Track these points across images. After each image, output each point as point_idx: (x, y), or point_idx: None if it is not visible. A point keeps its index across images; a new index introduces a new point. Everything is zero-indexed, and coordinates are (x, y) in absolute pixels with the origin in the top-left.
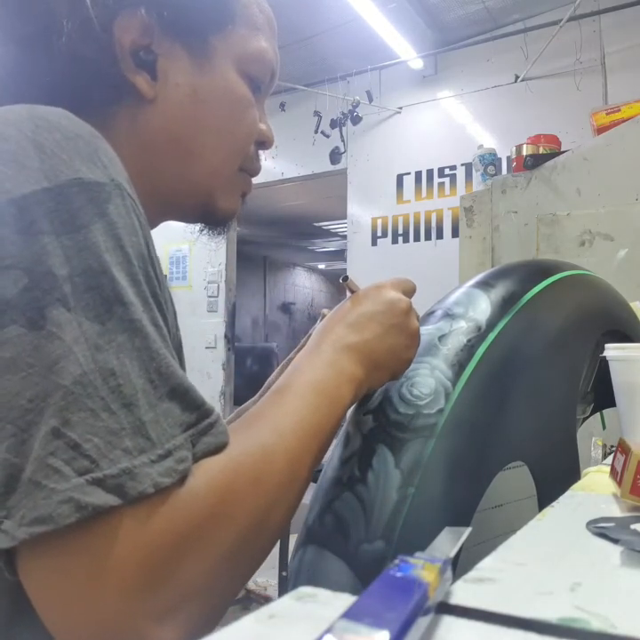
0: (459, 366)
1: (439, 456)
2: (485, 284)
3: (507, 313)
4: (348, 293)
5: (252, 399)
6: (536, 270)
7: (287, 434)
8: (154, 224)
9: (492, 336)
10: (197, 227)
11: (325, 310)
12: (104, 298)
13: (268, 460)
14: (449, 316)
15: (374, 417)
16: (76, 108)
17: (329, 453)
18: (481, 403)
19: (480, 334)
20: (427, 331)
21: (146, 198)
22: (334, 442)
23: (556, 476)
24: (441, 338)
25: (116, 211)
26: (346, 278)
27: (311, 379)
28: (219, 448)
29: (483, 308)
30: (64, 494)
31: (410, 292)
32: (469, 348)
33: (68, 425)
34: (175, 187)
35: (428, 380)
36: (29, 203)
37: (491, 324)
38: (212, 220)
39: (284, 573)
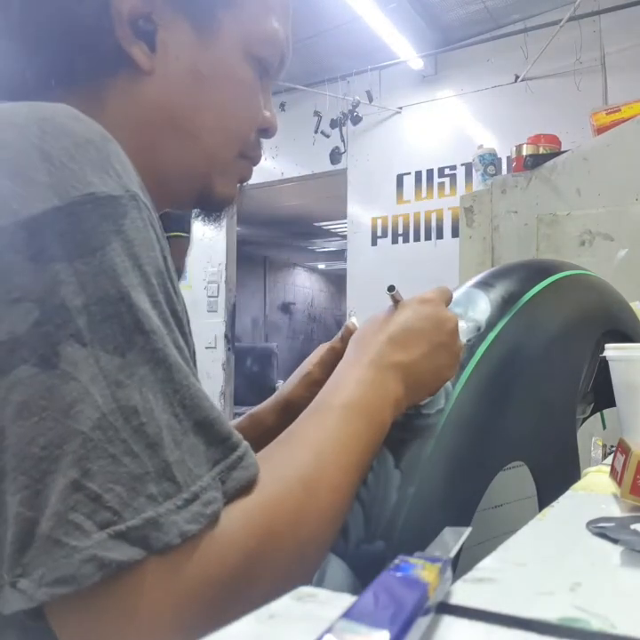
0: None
1: (439, 456)
2: (485, 284)
3: (506, 313)
4: (390, 303)
5: (265, 406)
6: (536, 270)
7: (330, 464)
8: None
9: (491, 336)
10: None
11: (351, 323)
12: (124, 327)
13: (310, 494)
14: None
15: None
16: (69, 77)
17: None
18: (481, 403)
19: (480, 334)
20: None
21: (143, 182)
22: None
23: (555, 476)
24: None
25: (133, 225)
26: (392, 288)
27: (354, 399)
28: (250, 482)
29: (482, 308)
30: (86, 552)
31: (449, 302)
32: (469, 348)
33: (88, 475)
34: (172, 169)
35: None
36: (39, 225)
37: (490, 324)
38: (209, 205)
39: None
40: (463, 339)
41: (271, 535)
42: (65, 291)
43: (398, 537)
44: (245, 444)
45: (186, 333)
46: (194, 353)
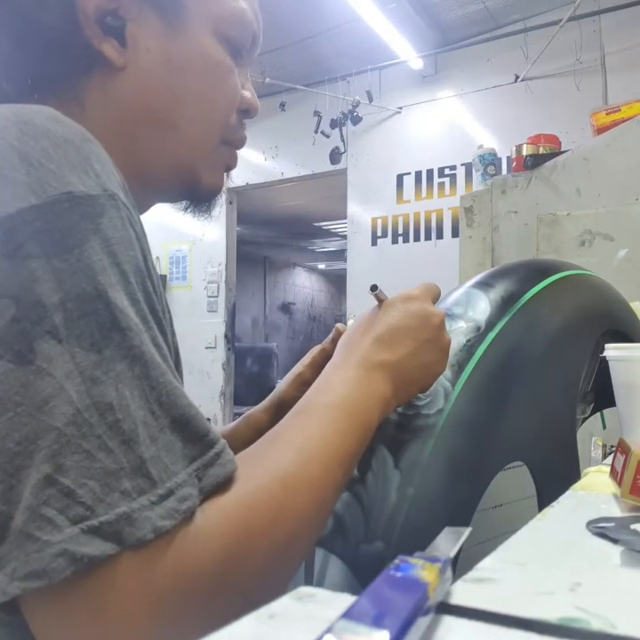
0: (458, 366)
1: (438, 456)
2: (485, 285)
3: (506, 313)
4: (375, 303)
5: (261, 407)
6: (535, 270)
7: (311, 462)
8: (142, 209)
9: (491, 336)
10: (183, 205)
11: (340, 325)
12: (100, 324)
13: (288, 492)
14: (448, 316)
15: None
16: (44, 80)
17: None
18: (480, 403)
19: (479, 334)
20: None
21: (127, 179)
22: None
23: (555, 476)
24: None
25: (111, 224)
26: (375, 287)
27: (339, 399)
28: (227, 478)
29: (482, 308)
30: (58, 547)
31: (437, 298)
32: (469, 349)
33: (62, 470)
34: (155, 162)
35: None
36: (16, 223)
37: (490, 325)
38: (197, 196)
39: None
40: (463, 339)
41: (247, 532)
42: (42, 288)
43: (398, 537)
44: (223, 441)
45: (166, 332)
46: (177, 352)
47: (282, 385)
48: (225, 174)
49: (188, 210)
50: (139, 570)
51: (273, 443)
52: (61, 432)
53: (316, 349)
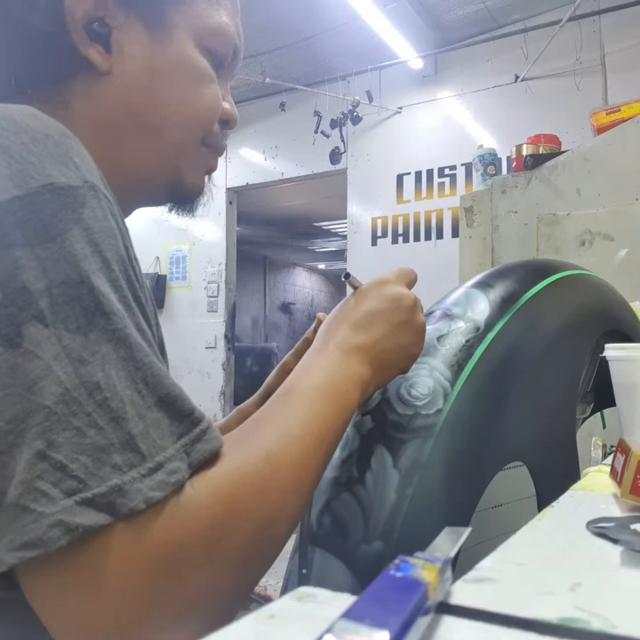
0: (457, 367)
1: (438, 457)
2: (484, 285)
3: (505, 313)
4: (350, 291)
5: (251, 400)
6: (535, 270)
7: (293, 440)
8: (127, 212)
9: (490, 336)
10: (167, 208)
11: (321, 314)
12: (85, 308)
13: (273, 468)
14: (448, 316)
15: (373, 417)
16: (32, 85)
17: None
18: (479, 403)
19: (479, 335)
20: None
21: (111, 181)
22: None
23: (555, 476)
24: (439, 338)
25: (92, 214)
26: (348, 275)
27: (318, 382)
28: (214, 454)
29: (481, 308)
30: (53, 517)
31: (412, 282)
32: (468, 349)
33: (54, 446)
34: (139, 163)
35: (427, 380)
36: (0, 214)
37: (489, 325)
38: (179, 197)
39: (303, 571)
40: (462, 339)
41: (235, 504)
42: (26, 274)
43: (397, 537)
44: (208, 418)
45: (150, 320)
46: (162, 344)
47: (270, 377)
48: (206, 177)
49: (173, 211)
50: (132, 539)
51: (257, 424)
52: (51, 410)
53: (301, 342)
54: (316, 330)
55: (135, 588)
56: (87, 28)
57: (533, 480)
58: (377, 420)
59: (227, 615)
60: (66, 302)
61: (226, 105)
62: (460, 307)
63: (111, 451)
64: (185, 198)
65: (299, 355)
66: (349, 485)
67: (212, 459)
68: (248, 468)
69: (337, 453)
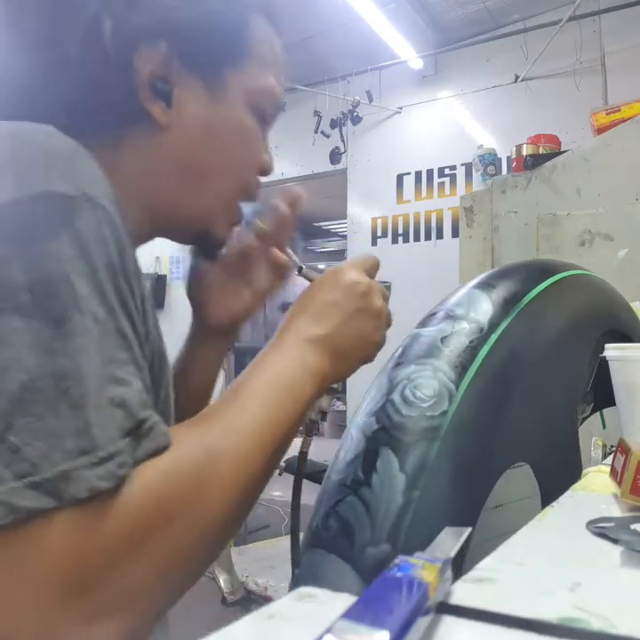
0: (461, 368)
1: (444, 459)
2: (486, 285)
3: (508, 313)
4: (306, 283)
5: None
6: (537, 270)
7: (237, 432)
8: (144, 239)
9: (494, 337)
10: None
11: None
12: (62, 304)
13: (212, 461)
14: (451, 317)
15: (377, 419)
16: (92, 127)
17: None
18: (484, 404)
19: (482, 335)
20: (428, 332)
21: (142, 214)
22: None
23: (558, 476)
24: (443, 339)
25: (85, 224)
26: (300, 269)
27: (270, 374)
28: (158, 451)
29: (484, 308)
30: None
31: (372, 268)
32: (472, 350)
33: (11, 429)
34: (176, 210)
35: (431, 381)
36: None
37: (493, 325)
38: (204, 246)
39: (297, 571)
40: (466, 340)
41: (170, 497)
42: (11, 270)
43: (404, 540)
44: (157, 417)
45: (136, 329)
46: (164, 356)
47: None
48: (230, 228)
49: (195, 252)
50: (70, 529)
51: (201, 419)
52: (15, 395)
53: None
54: None
55: (58, 581)
56: (152, 85)
57: (537, 480)
58: (382, 421)
59: (158, 614)
60: (45, 297)
61: (265, 156)
62: (463, 307)
63: (65, 436)
64: (208, 248)
65: None
66: (355, 488)
67: (154, 455)
68: (186, 462)
69: (341, 455)
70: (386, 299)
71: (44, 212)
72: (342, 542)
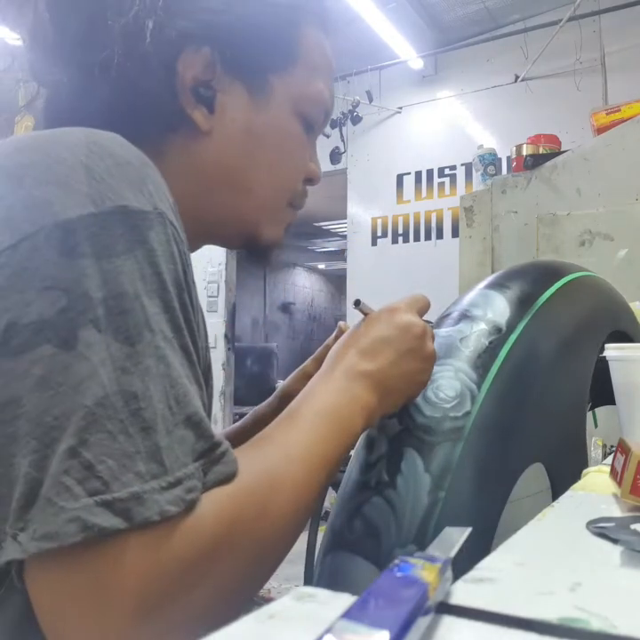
0: (483, 368)
1: (468, 459)
2: (500, 286)
3: (525, 314)
4: (361, 317)
5: (267, 402)
6: (547, 272)
7: (296, 462)
8: (196, 247)
9: (513, 338)
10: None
11: (342, 323)
12: (135, 322)
13: (275, 490)
14: (468, 317)
15: (400, 420)
16: (133, 134)
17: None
18: (505, 405)
19: (501, 336)
20: (447, 333)
21: (190, 222)
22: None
23: (570, 475)
24: (462, 340)
25: (157, 238)
26: (358, 302)
27: (323, 406)
28: (228, 477)
29: (501, 309)
30: (72, 513)
31: (424, 310)
32: (492, 350)
33: (85, 445)
34: (222, 215)
35: (453, 382)
36: (75, 227)
37: (511, 326)
38: (255, 249)
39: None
40: (485, 341)
41: (239, 523)
42: (89, 283)
43: (430, 540)
44: (227, 443)
45: (197, 344)
46: (209, 367)
47: (288, 379)
48: (284, 230)
49: (246, 257)
50: (141, 549)
51: (263, 443)
52: (90, 410)
53: (322, 348)
54: (336, 337)
55: (133, 601)
56: (194, 91)
57: (549, 479)
58: (404, 422)
59: (213, 631)
60: (119, 313)
61: (312, 165)
62: (480, 308)
63: (137, 458)
64: (260, 252)
65: (318, 362)
66: (380, 489)
67: (225, 481)
68: (254, 487)
69: (362, 456)
70: (433, 340)
71: (119, 227)
72: (368, 544)
